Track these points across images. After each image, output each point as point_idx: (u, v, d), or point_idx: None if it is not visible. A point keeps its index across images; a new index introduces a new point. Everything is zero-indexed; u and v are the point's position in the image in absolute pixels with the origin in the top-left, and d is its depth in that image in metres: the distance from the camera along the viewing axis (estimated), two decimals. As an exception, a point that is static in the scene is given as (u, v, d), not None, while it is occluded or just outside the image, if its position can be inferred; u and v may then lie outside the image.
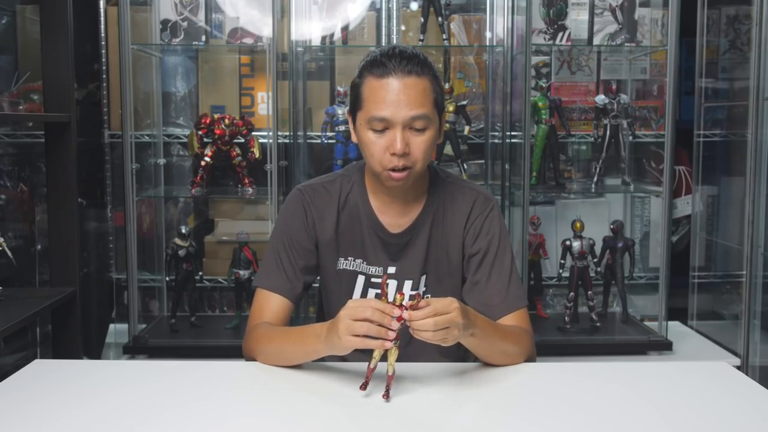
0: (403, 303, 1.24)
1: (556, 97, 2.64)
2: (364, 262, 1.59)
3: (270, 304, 1.55)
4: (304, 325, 1.53)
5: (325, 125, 2.60)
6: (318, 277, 1.65)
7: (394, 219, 1.58)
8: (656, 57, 2.80)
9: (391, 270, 1.58)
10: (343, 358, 1.51)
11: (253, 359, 1.50)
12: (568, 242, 2.57)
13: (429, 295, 1.60)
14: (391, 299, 1.26)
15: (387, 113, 1.43)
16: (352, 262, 1.60)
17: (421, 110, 1.44)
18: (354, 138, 1.55)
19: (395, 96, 1.43)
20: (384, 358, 1.28)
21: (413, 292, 1.55)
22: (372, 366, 1.29)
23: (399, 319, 1.23)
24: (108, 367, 1.71)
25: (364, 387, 1.31)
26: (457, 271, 1.60)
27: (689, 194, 2.95)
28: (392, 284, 1.58)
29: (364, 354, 1.30)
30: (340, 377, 1.40)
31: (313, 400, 1.31)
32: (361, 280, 1.59)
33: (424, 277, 1.59)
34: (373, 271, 1.59)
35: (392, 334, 1.23)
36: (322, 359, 1.50)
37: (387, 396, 1.29)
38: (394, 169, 1.45)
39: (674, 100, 2.55)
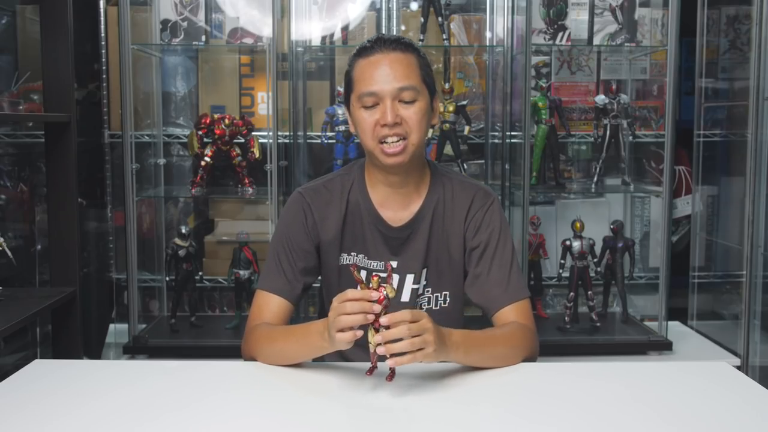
0: (381, 285, 1.26)
1: (556, 97, 2.63)
2: (366, 257, 1.60)
3: (270, 305, 1.55)
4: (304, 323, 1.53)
5: (325, 125, 2.60)
6: (318, 278, 1.66)
7: (394, 213, 1.59)
8: (656, 57, 2.80)
9: (393, 264, 1.58)
10: (343, 357, 1.51)
11: (253, 359, 1.50)
12: (568, 242, 2.57)
13: (429, 289, 1.62)
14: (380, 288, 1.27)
15: (375, 87, 1.47)
16: (354, 258, 1.60)
17: (407, 81, 1.48)
18: (352, 128, 1.57)
19: (382, 70, 1.48)
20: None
21: (383, 274, 1.52)
22: (372, 351, 1.28)
23: (380, 301, 1.24)
24: (108, 367, 1.71)
25: (370, 372, 1.33)
26: (458, 265, 1.61)
27: (689, 194, 2.95)
28: (394, 279, 1.58)
29: (365, 352, 1.30)
30: (340, 377, 1.40)
31: (314, 399, 1.31)
32: (362, 275, 1.59)
33: (425, 271, 1.60)
34: (375, 266, 1.59)
35: (377, 308, 1.24)
36: (322, 358, 1.51)
37: (392, 377, 1.32)
38: (387, 141, 1.47)
39: (674, 100, 2.55)
